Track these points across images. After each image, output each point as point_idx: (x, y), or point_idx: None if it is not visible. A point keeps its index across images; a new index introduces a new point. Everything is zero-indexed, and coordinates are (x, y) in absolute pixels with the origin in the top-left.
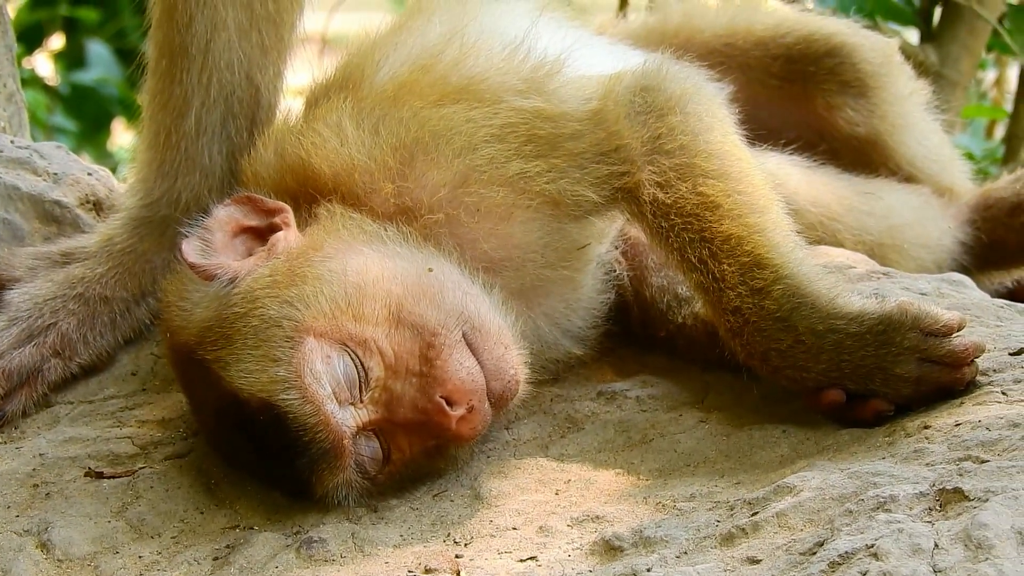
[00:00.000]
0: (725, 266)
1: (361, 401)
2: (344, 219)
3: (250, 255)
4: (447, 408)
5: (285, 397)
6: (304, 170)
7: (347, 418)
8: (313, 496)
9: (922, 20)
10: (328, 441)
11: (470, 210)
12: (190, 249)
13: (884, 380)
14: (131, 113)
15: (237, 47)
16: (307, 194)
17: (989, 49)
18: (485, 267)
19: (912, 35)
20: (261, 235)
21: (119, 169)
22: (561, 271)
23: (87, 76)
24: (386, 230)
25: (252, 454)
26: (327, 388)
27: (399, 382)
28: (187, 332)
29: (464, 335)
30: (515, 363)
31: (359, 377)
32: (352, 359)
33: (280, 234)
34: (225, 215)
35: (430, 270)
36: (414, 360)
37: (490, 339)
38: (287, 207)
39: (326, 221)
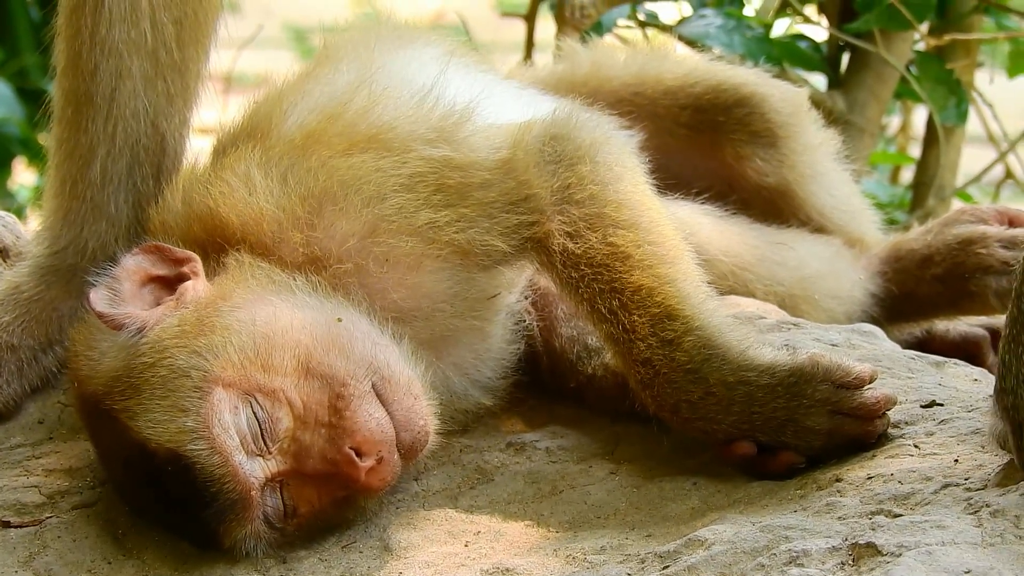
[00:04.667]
0: (635, 317)
1: (269, 452)
2: (253, 269)
3: (158, 304)
4: (356, 459)
5: (193, 447)
6: (212, 219)
7: (255, 469)
8: (221, 547)
9: (830, 67)
10: (236, 492)
11: (379, 260)
12: (97, 298)
13: (796, 432)
14: (32, 152)
15: (143, 96)
16: (215, 243)
17: (897, 96)
18: (394, 317)
19: (820, 81)
20: (169, 284)
21: (23, 211)
22: (471, 321)
23: None
24: (295, 280)
25: (160, 504)
26: (235, 439)
27: (308, 433)
28: (95, 381)
29: (373, 385)
30: (424, 414)
31: (267, 427)
32: (260, 409)
33: (188, 284)
34: (133, 264)
35: (339, 320)
36: (323, 411)
37: (399, 390)
38: (195, 256)
39: (235, 271)
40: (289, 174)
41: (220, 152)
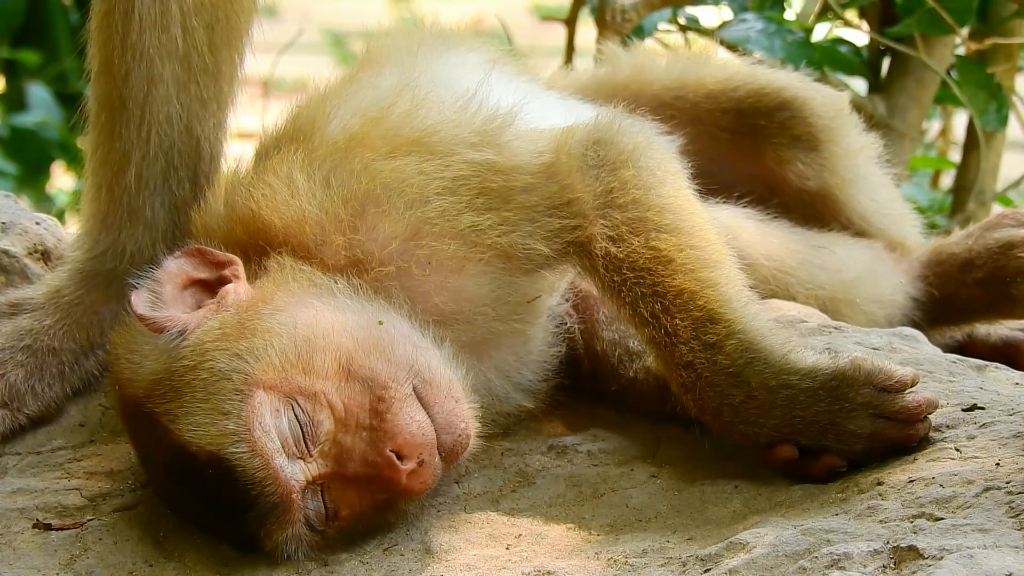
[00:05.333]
0: (677, 321)
1: (310, 455)
2: (294, 271)
3: (199, 307)
4: (397, 462)
5: (234, 450)
6: (254, 222)
7: (296, 472)
8: (262, 550)
9: (870, 71)
10: (277, 495)
11: (421, 263)
12: (139, 301)
13: (837, 436)
14: (71, 156)
15: (175, 100)
16: (257, 246)
17: (937, 100)
18: (436, 320)
19: (860, 86)
20: (210, 287)
21: (63, 215)
22: (512, 324)
23: (27, 119)
24: (336, 283)
25: (201, 507)
26: (276, 442)
27: (349, 435)
28: (136, 385)
29: (415, 388)
30: (466, 417)
31: (308, 430)
32: (302, 412)
33: (229, 286)
34: (175, 267)
35: (380, 323)
36: (364, 413)
37: (440, 392)
38: (237, 259)
39: (276, 274)
40: (332, 177)
41: (262, 155)
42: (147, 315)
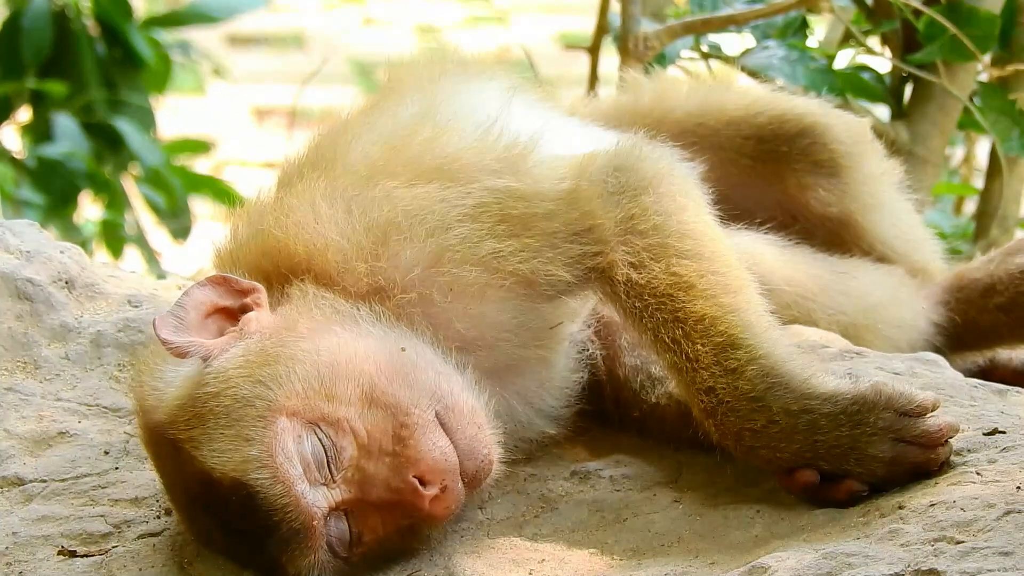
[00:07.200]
0: (699, 346)
1: (334, 481)
2: (317, 299)
3: (221, 335)
4: (420, 488)
5: (256, 476)
6: (277, 249)
7: (318, 498)
8: (285, 573)
9: (893, 98)
10: (298, 521)
11: (443, 290)
12: (163, 326)
13: (858, 460)
14: (97, 187)
15: None
16: (280, 273)
17: (960, 127)
18: (458, 346)
19: (883, 112)
20: (233, 315)
21: (87, 245)
22: (535, 350)
23: (54, 150)
24: (359, 309)
25: (223, 534)
26: (298, 468)
27: (372, 462)
28: (160, 411)
29: (437, 414)
30: (488, 442)
31: (331, 456)
32: (325, 438)
33: (252, 314)
34: (199, 295)
35: (403, 350)
36: (387, 440)
37: (463, 418)
38: (260, 287)
39: (299, 301)
40: (354, 204)
41: (285, 183)
42: (171, 340)
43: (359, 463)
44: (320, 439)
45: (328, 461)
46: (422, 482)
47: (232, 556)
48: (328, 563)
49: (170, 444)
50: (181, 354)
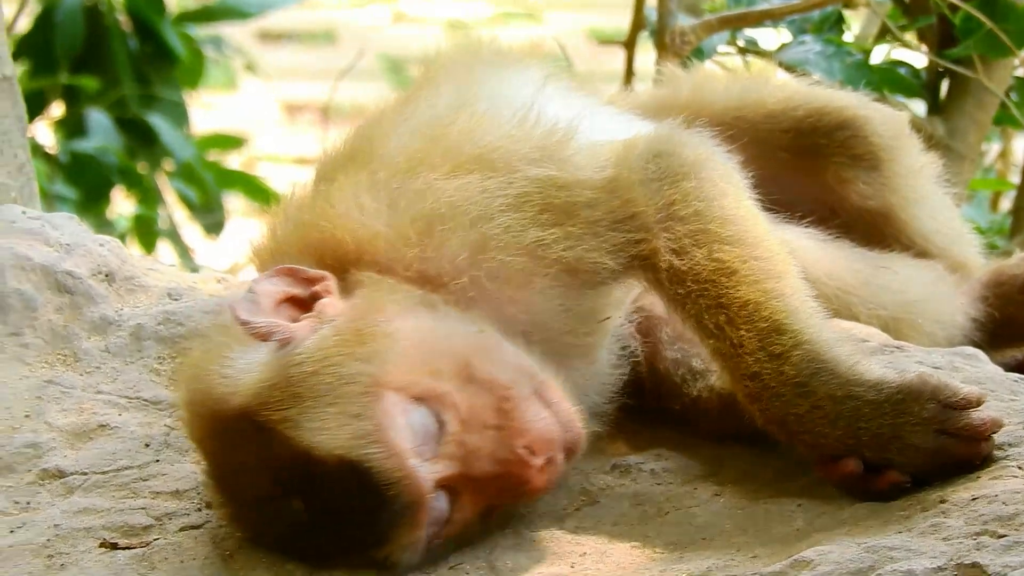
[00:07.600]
0: (743, 332)
1: (437, 456)
2: (390, 285)
3: (293, 323)
4: (529, 458)
5: (367, 452)
6: (323, 241)
7: (427, 472)
8: (379, 555)
9: (929, 93)
10: (411, 495)
11: (491, 275)
12: (242, 309)
13: (900, 450)
14: (130, 182)
15: None
16: (326, 265)
17: (997, 122)
18: (514, 332)
19: (919, 107)
20: (302, 304)
21: (124, 239)
22: (583, 338)
23: (87, 144)
24: (428, 295)
25: (313, 518)
26: (409, 442)
27: (475, 436)
28: (239, 396)
29: (534, 389)
30: (576, 416)
31: (435, 431)
32: (429, 413)
33: (326, 300)
34: (268, 285)
35: (481, 331)
36: (489, 414)
37: (556, 393)
38: (329, 275)
39: (371, 287)
40: (398, 196)
41: (324, 178)
42: (253, 321)
43: (463, 437)
44: (425, 413)
45: (433, 435)
46: (530, 452)
47: (310, 546)
48: (422, 542)
49: (254, 428)
50: (264, 336)
